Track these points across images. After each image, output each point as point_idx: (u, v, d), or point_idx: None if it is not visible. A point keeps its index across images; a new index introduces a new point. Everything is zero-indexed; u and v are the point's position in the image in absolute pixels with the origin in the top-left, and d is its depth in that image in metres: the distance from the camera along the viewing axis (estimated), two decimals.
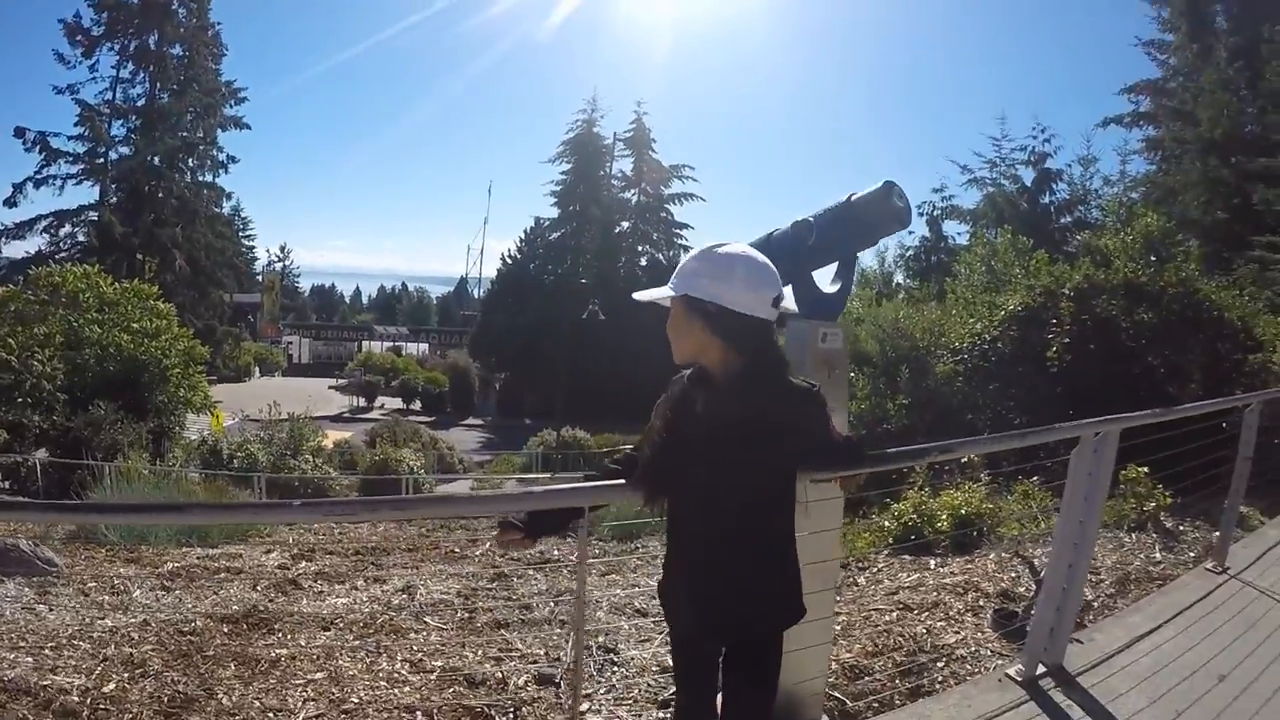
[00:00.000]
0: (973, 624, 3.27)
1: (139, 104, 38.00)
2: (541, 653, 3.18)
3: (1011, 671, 2.69)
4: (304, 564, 5.45)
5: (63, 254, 34.58)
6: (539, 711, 2.60)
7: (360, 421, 29.96)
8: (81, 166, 37.24)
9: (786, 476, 1.61)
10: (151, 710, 2.57)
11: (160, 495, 8.04)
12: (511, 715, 2.58)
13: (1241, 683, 2.71)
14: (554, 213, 45.06)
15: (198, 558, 5.37)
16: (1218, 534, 4.25)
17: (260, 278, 53.77)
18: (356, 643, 3.37)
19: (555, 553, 6.13)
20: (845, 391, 2.58)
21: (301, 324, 59.51)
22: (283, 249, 64.44)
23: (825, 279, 2.35)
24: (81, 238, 36.62)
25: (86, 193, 38.18)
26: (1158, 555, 4.29)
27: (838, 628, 3.09)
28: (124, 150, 38.06)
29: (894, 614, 3.37)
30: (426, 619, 3.88)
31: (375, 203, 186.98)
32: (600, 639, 3.26)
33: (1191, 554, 4.30)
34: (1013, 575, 3.87)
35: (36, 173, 36.39)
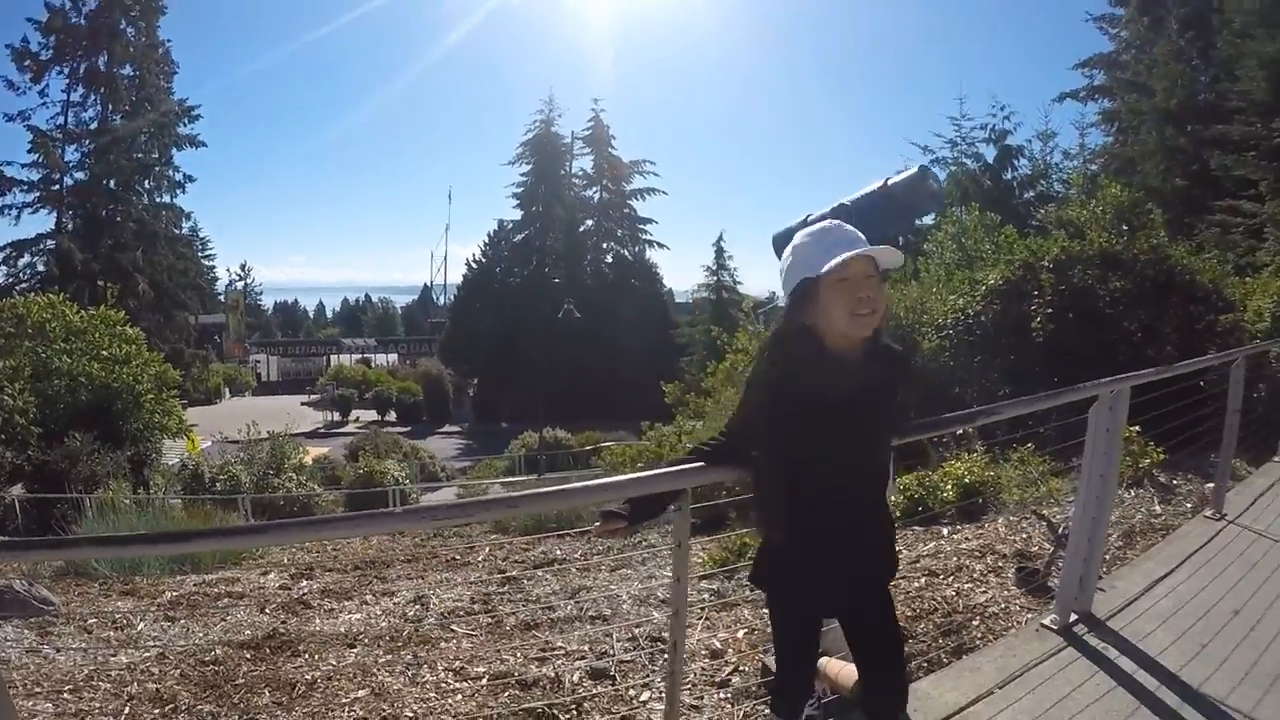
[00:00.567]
0: (997, 584, 3.39)
1: (92, 127, 37.00)
2: (584, 649, 3.18)
3: (1046, 621, 2.82)
4: (305, 583, 5.40)
5: (23, 284, 33.58)
6: (602, 705, 2.62)
7: (337, 436, 29.60)
8: (37, 194, 36.14)
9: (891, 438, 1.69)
10: None
11: (147, 524, 7.87)
12: (574, 712, 2.58)
13: (1254, 616, 2.89)
14: (517, 214, 45.06)
15: (195, 585, 5.31)
16: (1211, 485, 4.45)
17: (223, 298, 52.98)
18: (389, 657, 3.35)
19: (557, 552, 6.15)
20: None
21: (268, 342, 58.70)
22: (243, 267, 63.62)
23: None
24: (41, 267, 35.57)
25: (43, 221, 37.12)
26: (1157, 508, 4.47)
27: None
28: (79, 175, 37.04)
29: (922, 580, 3.46)
30: (454, 627, 3.87)
31: (334, 215, 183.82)
32: (639, 629, 3.29)
33: (1188, 505, 4.48)
34: (1024, 536, 3.99)
35: None
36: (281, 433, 15.29)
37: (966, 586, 3.36)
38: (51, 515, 9.65)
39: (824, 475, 1.55)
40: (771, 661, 2.55)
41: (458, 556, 6.33)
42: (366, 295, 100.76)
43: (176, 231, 42.12)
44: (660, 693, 2.66)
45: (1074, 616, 2.79)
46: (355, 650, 3.56)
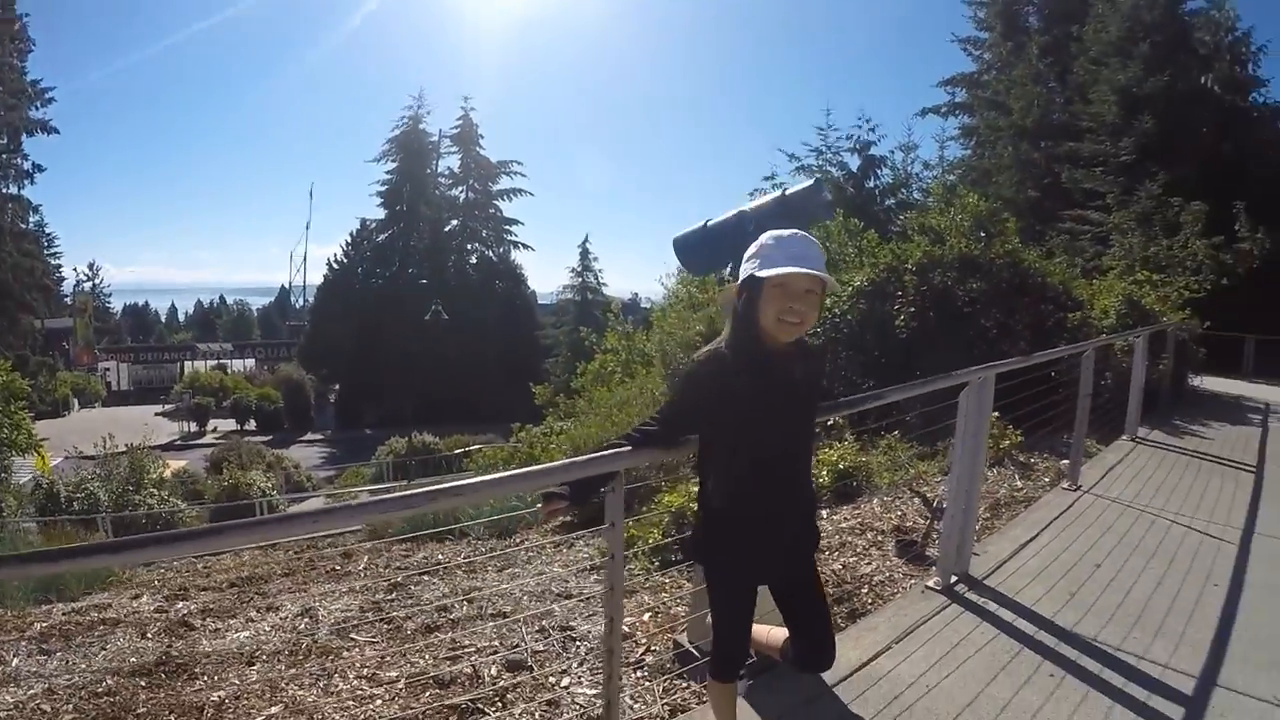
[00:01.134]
0: (879, 556, 3.73)
1: None
2: (494, 644, 3.18)
3: (930, 583, 3.16)
4: (182, 604, 5.09)
5: None
6: (526, 694, 2.65)
7: (195, 448, 27.56)
8: None
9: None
10: None
11: (4, 548, 7.08)
12: (500, 703, 2.60)
13: (1114, 568, 3.40)
14: (381, 214, 43.67)
15: (64, 614, 4.91)
16: (1065, 461, 5.05)
17: (70, 300, 47.80)
18: (294, 670, 3.23)
19: (439, 556, 6.02)
20: None
21: (118, 348, 53.62)
22: (91, 266, 58.18)
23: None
24: None
25: None
26: (1019, 483, 5.01)
27: None
28: None
29: None
30: (353, 636, 3.76)
31: (187, 211, 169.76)
32: (545, 621, 3.34)
33: (1046, 480, 5.06)
34: (899, 514, 4.37)
35: None
36: (139, 445, 14.07)
37: (852, 560, 3.67)
38: None
39: (764, 451, 1.72)
40: (684, 638, 2.72)
41: (338, 567, 6.09)
42: (221, 297, 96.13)
43: (23, 226, 37.81)
44: (579, 678, 2.75)
45: (954, 578, 3.14)
46: (255, 667, 3.40)
